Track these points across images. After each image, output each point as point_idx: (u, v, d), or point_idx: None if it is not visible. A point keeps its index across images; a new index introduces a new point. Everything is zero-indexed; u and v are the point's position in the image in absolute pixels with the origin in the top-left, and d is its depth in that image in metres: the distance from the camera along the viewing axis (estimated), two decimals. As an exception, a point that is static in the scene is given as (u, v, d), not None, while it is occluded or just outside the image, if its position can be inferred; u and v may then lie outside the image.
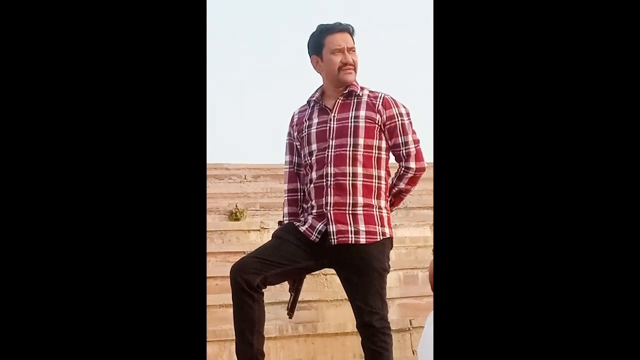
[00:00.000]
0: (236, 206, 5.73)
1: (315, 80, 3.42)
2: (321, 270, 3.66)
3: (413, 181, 3.34)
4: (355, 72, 3.33)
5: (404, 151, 3.29)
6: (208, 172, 6.51)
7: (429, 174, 2.78)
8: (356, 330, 3.31)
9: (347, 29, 3.34)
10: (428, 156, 3.20)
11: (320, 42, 3.33)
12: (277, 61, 13.33)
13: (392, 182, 3.32)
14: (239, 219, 5.60)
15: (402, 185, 3.32)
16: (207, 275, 4.45)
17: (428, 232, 5.08)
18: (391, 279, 3.39)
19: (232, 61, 12.50)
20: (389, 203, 3.30)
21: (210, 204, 5.92)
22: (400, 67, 13.34)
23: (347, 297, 3.38)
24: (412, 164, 3.29)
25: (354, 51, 3.33)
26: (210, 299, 4.17)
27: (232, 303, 3.22)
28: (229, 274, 3.28)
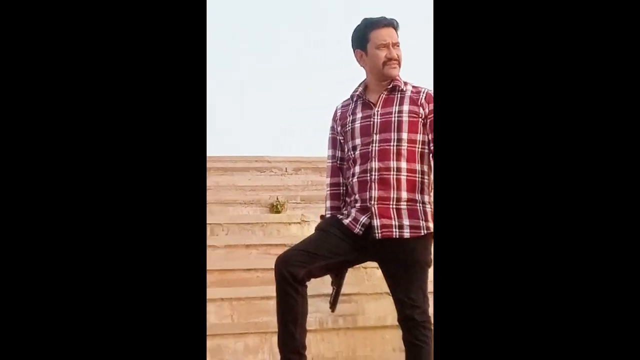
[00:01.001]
0: (277, 199, 5.75)
1: (316, 79, 3.43)
2: (361, 264, 3.66)
3: None
4: (400, 66, 3.33)
5: None
6: (250, 165, 6.54)
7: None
8: (396, 323, 3.31)
9: (392, 24, 3.34)
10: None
11: (365, 36, 3.33)
12: (277, 61, 13.33)
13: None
14: (280, 212, 5.61)
15: None
16: (249, 267, 4.48)
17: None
18: (432, 273, 3.38)
19: (232, 61, 12.49)
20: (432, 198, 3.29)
21: (251, 196, 5.95)
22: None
23: (387, 291, 3.39)
24: None
25: (399, 46, 3.33)
26: (252, 291, 4.19)
27: (274, 295, 3.24)
28: (270, 266, 3.30)
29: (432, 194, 3.30)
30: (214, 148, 6.69)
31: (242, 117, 12.35)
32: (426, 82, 3.21)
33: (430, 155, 3.29)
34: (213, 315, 4.05)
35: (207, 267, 4.35)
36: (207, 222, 5.03)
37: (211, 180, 6.17)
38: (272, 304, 3.31)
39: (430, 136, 3.26)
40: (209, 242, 4.76)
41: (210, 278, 4.29)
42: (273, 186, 6.22)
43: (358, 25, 3.38)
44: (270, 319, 3.59)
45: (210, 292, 4.13)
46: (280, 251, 3.59)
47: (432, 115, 3.26)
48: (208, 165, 6.17)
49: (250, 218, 5.37)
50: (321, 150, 3.60)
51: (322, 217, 3.45)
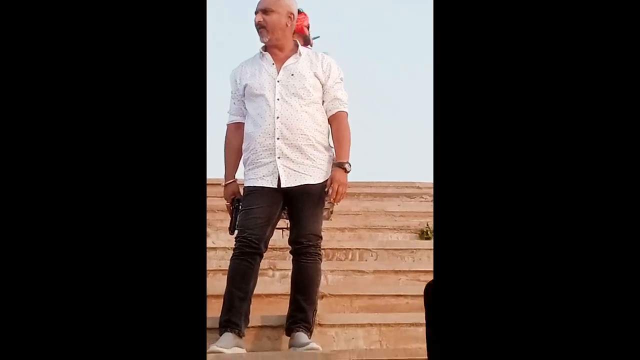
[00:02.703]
0: (427, 225, 5.69)
1: None
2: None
3: None
4: None
5: None
6: (399, 191, 6.52)
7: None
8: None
9: None
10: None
11: None
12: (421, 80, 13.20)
13: None
14: (430, 238, 5.55)
15: None
16: (397, 293, 4.44)
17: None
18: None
19: (231, 61, 12.44)
20: None
21: (401, 222, 5.92)
22: (400, 67, 12.90)
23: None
24: None
25: None
26: (401, 317, 4.15)
27: (424, 322, 3.18)
28: (419, 293, 3.28)
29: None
30: (363, 174, 6.72)
31: (389, 142, 12.37)
32: (426, 82, 3.16)
33: None
34: (362, 341, 4.03)
35: (356, 292, 4.38)
36: (357, 247, 5.04)
37: (361, 205, 6.18)
38: (422, 330, 3.28)
39: None
40: (358, 266, 4.76)
41: (359, 303, 4.28)
42: (423, 212, 6.16)
43: None
44: (419, 345, 3.55)
45: (359, 317, 4.12)
46: (429, 277, 3.56)
47: None
48: (357, 190, 6.19)
49: (400, 244, 5.34)
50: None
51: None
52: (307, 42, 5.72)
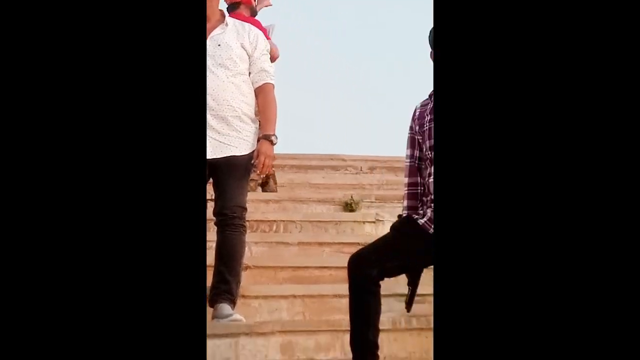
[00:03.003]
0: (351, 197, 5.73)
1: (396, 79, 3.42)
2: (437, 265, 3.63)
3: None
4: None
5: None
6: (324, 163, 6.55)
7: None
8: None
9: None
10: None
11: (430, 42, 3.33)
12: (357, 59, 13.32)
13: None
14: (354, 210, 5.59)
15: None
16: (321, 265, 4.48)
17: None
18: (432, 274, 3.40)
19: (312, 58, 12.55)
20: None
21: (325, 194, 5.95)
22: (399, 67, 13.17)
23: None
24: None
25: None
26: (324, 289, 4.19)
27: (347, 293, 3.24)
28: (343, 264, 3.32)
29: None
30: (289, 146, 6.73)
31: (319, 115, 12.42)
32: (426, 82, 3.19)
33: None
34: (285, 312, 4.07)
35: (280, 264, 4.40)
36: (281, 219, 5.06)
37: (285, 177, 6.19)
38: (345, 302, 3.32)
39: None
40: (282, 238, 4.78)
41: (283, 275, 4.31)
42: (347, 185, 6.22)
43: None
44: (342, 317, 3.59)
45: (283, 289, 4.15)
46: (353, 250, 3.59)
47: None
48: (283, 162, 6.20)
49: (324, 216, 5.38)
50: (397, 149, 3.58)
51: (399, 216, 3.44)
52: (253, 13, 5.74)
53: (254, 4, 5.73)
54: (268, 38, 5.69)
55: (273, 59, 5.68)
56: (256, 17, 5.79)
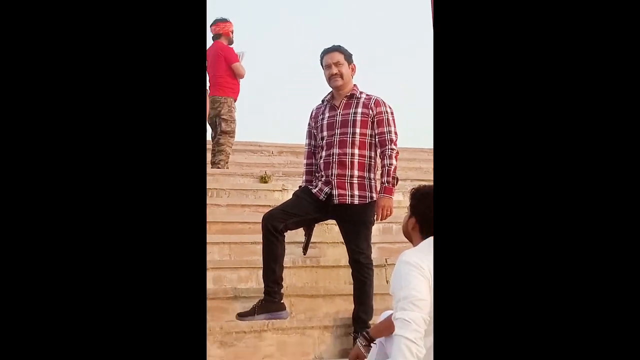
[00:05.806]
0: (265, 173, 5.81)
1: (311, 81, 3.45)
2: (324, 221, 3.75)
3: (395, 158, 3.34)
4: (342, 78, 3.36)
5: (388, 137, 3.34)
6: (246, 148, 6.57)
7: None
8: (348, 264, 3.41)
9: (333, 49, 3.39)
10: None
11: (321, 62, 3.41)
12: (277, 61, 12.83)
13: (382, 162, 3.33)
14: (267, 182, 5.66)
15: (393, 162, 3.28)
16: (243, 220, 4.52)
17: (401, 197, 5.14)
18: (374, 229, 3.48)
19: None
20: (391, 184, 3.27)
21: (246, 170, 5.98)
22: (399, 69, 12.79)
23: (342, 241, 3.48)
24: (395, 147, 3.35)
25: (341, 64, 3.36)
26: (245, 238, 4.23)
27: (261, 241, 3.28)
28: (258, 221, 3.35)
29: (377, 172, 3.38)
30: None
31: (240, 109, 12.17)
32: (425, 82, 3.22)
33: (377, 144, 3.35)
34: (216, 254, 4.08)
35: (214, 220, 4.41)
36: (215, 187, 5.08)
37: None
38: (259, 247, 3.35)
39: (377, 130, 3.32)
40: (216, 201, 4.81)
41: (215, 227, 4.33)
42: (262, 164, 6.28)
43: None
44: (257, 258, 3.64)
45: (214, 238, 4.16)
46: (266, 210, 3.64)
47: (380, 115, 3.32)
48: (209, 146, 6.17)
49: (246, 186, 5.41)
50: (299, 138, 3.66)
51: (300, 187, 3.52)
52: (230, 42, 5.90)
53: (231, 36, 5.88)
54: (238, 61, 5.80)
55: (240, 77, 5.81)
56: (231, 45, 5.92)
